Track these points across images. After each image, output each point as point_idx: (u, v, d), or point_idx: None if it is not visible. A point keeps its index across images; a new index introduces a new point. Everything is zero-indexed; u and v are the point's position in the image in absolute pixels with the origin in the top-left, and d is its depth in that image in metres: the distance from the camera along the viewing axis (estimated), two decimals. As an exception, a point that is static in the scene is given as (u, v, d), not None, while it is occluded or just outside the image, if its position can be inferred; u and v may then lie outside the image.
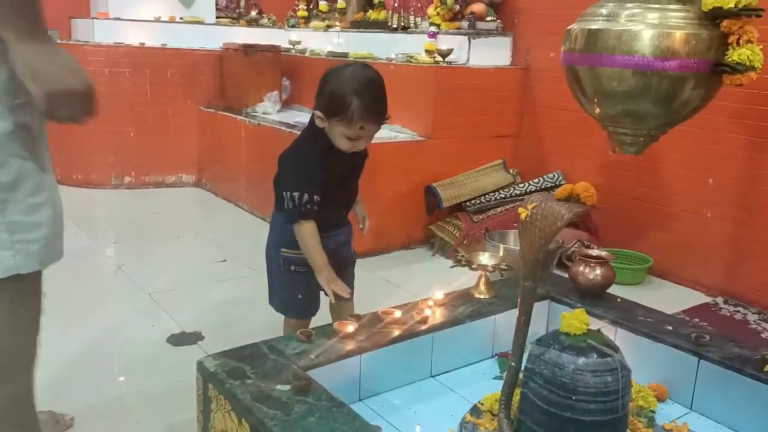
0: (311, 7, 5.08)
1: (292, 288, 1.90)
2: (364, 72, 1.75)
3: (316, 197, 1.74)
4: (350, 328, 1.61)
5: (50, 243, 1.04)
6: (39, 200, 1.00)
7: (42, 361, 2.00)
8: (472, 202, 3.40)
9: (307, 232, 1.77)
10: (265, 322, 2.13)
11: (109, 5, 4.73)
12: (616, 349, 1.39)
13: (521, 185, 3.48)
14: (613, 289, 1.96)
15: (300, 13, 5.10)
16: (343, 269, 1.92)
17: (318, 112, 1.75)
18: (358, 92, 1.68)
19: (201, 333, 2.34)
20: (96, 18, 4.68)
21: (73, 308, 2.51)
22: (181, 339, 2.30)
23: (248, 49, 4.42)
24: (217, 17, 5.20)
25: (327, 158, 1.77)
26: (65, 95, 0.90)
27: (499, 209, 3.37)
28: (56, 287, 2.80)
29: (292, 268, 1.87)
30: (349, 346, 1.56)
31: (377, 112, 1.72)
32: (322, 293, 1.89)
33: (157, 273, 2.94)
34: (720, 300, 2.81)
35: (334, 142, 1.75)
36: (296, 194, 1.74)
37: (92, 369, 2.09)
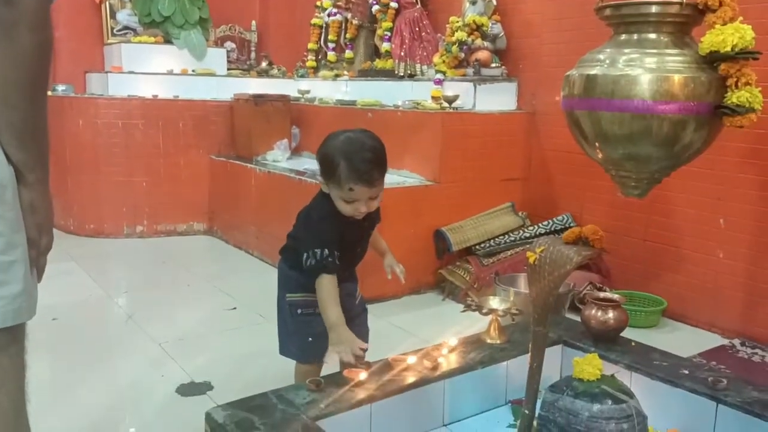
0: (319, 57, 5.20)
1: (302, 332, 1.90)
2: (357, 136, 1.77)
3: (336, 252, 1.76)
4: (361, 376, 1.60)
5: (19, 299, 1.01)
6: (11, 258, 0.99)
7: (52, 412, 1.99)
8: (482, 245, 3.40)
9: (327, 287, 1.77)
10: (276, 371, 2.12)
11: (122, 59, 4.87)
12: (631, 394, 1.36)
13: (531, 228, 3.48)
14: (627, 333, 1.94)
15: (309, 64, 5.22)
16: (351, 320, 1.90)
17: (319, 177, 1.80)
18: (346, 154, 1.70)
19: (210, 383, 2.32)
20: (110, 72, 4.81)
21: (84, 358, 2.51)
22: (190, 389, 2.28)
23: (258, 98, 4.51)
24: (228, 69, 5.33)
25: (335, 220, 1.79)
26: (49, 228, 1.08)
27: (509, 252, 3.36)
28: (67, 337, 2.81)
29: (299, 311, 1.88)
30: (360, 394, 1.54)
31: (365, 173, 1.70)
32: None
33: (168, 322, 2.93)
34: (737, 342, 2.76)
35: (338, 208, 1.77)
36: (317, 251, 1.75)
37: (102, 419, 2.07)
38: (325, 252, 1.75)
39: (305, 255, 1.77)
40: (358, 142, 1.73)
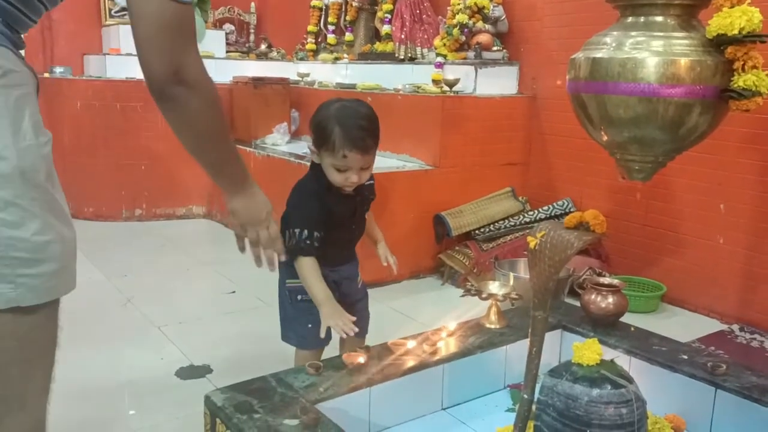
0: (319, 40, 5.15)
1: (302, 318, 1.89)
2: (351, 104, 1.78)
3: (316, 233, 1.76)
4: (360, 359, 1.60)
5: (55, 277, 1.03)
6: (46, 238, 0.99)
7: (50, 395, 1.99)
8: (482, 230, 3.39)
9: (307, 267, 1.76)
10: (275, 354, 2.12)
11: (120, 41, 4.82)
12: (630, 379, 1.36)
13: (531, 213, 3.47)
14: (626, 318, 1.93)
15: (308, 46, 5.17)
16: (352, 305, 1.89)
17: (311, 146, 1.79)
18: (340, 120, 1.70)
19: (210, 366, 2.32)
20: (108, 54, 4.77)
21: (83, 341, 2.51)
22: (189, 372, 2.29)
23: (257, 81, 4.48)
24: (227, 51, 5.28)
25: (326, 197, 1.79)
26: (252, 224, 1.39)
27: (508, 237, 3.35)
28: (66, 320, 2.79)
29: (299, 297, 1.87)
30: (359, 378, 1.54)
31: (359, 139, 1.70)
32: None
33: (167, 305, 2.93)
34: (736, 327, 2.77)
35: (328, 177, 1.76)
36: (296, 230, 1.75)
37: (101, 402, 2.07)
38: (305, 233, 1.75)
39: (287, 234, 1.76)
40: (352, 110, 1.74)
